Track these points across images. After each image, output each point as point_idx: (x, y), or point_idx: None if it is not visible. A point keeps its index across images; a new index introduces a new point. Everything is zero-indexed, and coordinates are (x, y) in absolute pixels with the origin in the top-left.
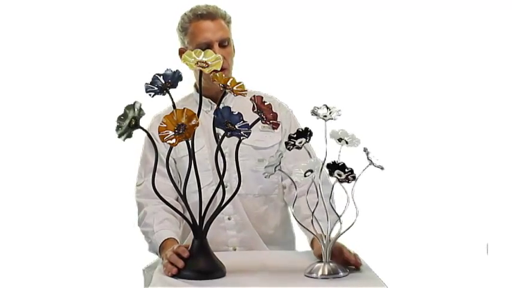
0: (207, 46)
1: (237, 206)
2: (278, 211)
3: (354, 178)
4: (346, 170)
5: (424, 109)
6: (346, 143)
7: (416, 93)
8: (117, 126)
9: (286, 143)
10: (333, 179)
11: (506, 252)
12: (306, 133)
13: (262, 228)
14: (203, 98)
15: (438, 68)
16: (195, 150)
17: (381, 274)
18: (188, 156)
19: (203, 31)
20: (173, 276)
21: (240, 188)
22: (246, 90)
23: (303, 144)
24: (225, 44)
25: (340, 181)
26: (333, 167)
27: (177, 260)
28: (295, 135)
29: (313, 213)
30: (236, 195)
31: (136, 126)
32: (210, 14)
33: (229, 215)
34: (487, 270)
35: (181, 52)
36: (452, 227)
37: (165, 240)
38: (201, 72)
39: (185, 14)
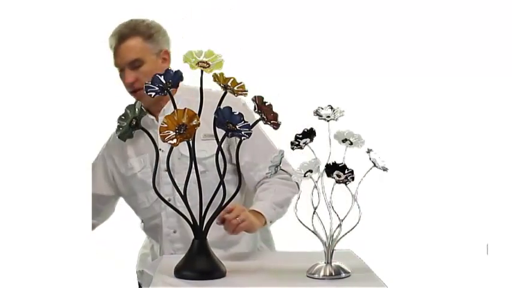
0: (120, 69)
1: (180, 219)
2: None
3: (354, 179)
4: (346, 171)
5: (425, 111)
6: (350, 143)
7: (418, 95)
8: (118, 126)
9: (291, 143)
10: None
11: (506, 252)
12: (310, 133)
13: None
14: (146, 115)
15: (441, 69)
16: (139, 169)
17: (381, 274)
18: (139, 172)
19: (114, 55)
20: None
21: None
22: (247, 91)
23: (306, 144)
24: (136, 64)
25: (339, 182)
26: (332, 167)
27: None
28: (300, 136)
29: (314, 211)
30: (181, 207)
31: (137, 126)
32: (118, 36)
33: (174, 229)
34: (487, 270)
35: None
36: (452, 227)
37: None
38: (202, 72)
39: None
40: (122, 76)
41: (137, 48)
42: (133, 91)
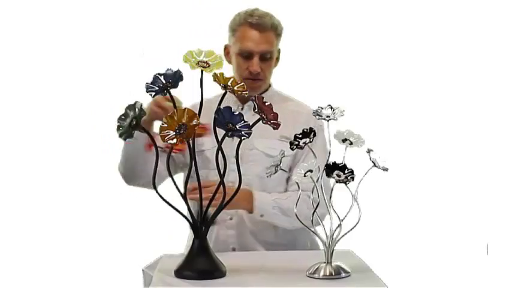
0: (249, 54)
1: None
2: None
3: (353, 179)
4: (346, 171)
5: (425, 111)
6: (351, 143)
7: (418, 94)
8: (118, 126)
9: (291, 143)
10: (332, 180)
11: (506, 252)
12: (310, 133)
13: (261, 232)
14: (232, 96)
15: (441, 69)
16: (209, 147)
17: (381, 274)
18: (208, 150)
19: (248, 39)
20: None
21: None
22: (247, 91)
23: (306, 144)
24: (266, 56)
25: (339, 182)
26: (333, 167)
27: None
28: (300, 135)
29: (314, 212)
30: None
31: (137, 126)
32: (260, 25)
33: (231, 215)
34: (487, 270)
35: (225, 49)
36: (452, 227)
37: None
38: (202, 71)
39: (239, 14)
40: (241, 62)
41: (272, 42)
42: (251, 79)
